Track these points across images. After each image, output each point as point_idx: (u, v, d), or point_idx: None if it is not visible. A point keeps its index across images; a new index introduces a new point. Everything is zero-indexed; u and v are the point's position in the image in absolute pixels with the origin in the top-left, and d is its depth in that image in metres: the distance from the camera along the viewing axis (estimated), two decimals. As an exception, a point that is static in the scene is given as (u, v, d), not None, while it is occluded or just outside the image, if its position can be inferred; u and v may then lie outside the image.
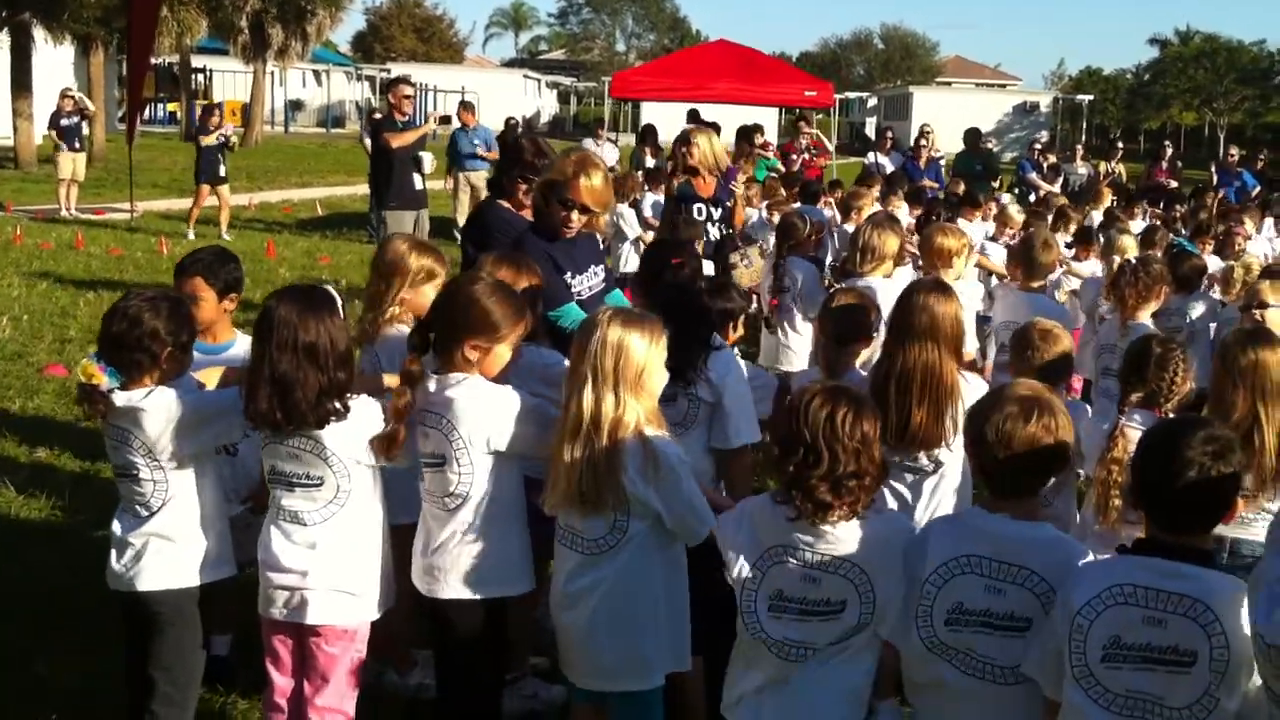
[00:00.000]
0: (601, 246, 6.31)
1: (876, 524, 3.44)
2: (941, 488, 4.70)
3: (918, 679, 3.52)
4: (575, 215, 5.27)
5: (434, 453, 3.99)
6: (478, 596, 4.00)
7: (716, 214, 8.69)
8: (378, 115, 14.16)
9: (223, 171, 18.47)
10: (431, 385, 3.97)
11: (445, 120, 19.76)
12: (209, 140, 18.28)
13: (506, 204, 5.94)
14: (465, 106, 19.53)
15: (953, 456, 4.64)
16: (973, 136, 19.02)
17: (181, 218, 20.76)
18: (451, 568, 3.99)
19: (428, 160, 13.25)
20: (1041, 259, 7.26)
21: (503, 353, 4.00)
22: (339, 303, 3.96)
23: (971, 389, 4.66)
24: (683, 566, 3.91)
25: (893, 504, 4.62)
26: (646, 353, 3.70)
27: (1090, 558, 3.37)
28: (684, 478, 3.75)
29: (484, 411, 3.91)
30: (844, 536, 3.38)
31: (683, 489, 3.74)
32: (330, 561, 3.95)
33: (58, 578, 5.86)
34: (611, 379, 3.65)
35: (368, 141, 19.61)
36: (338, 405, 3.83)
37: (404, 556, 4.20)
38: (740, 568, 3.50)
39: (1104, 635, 3.05)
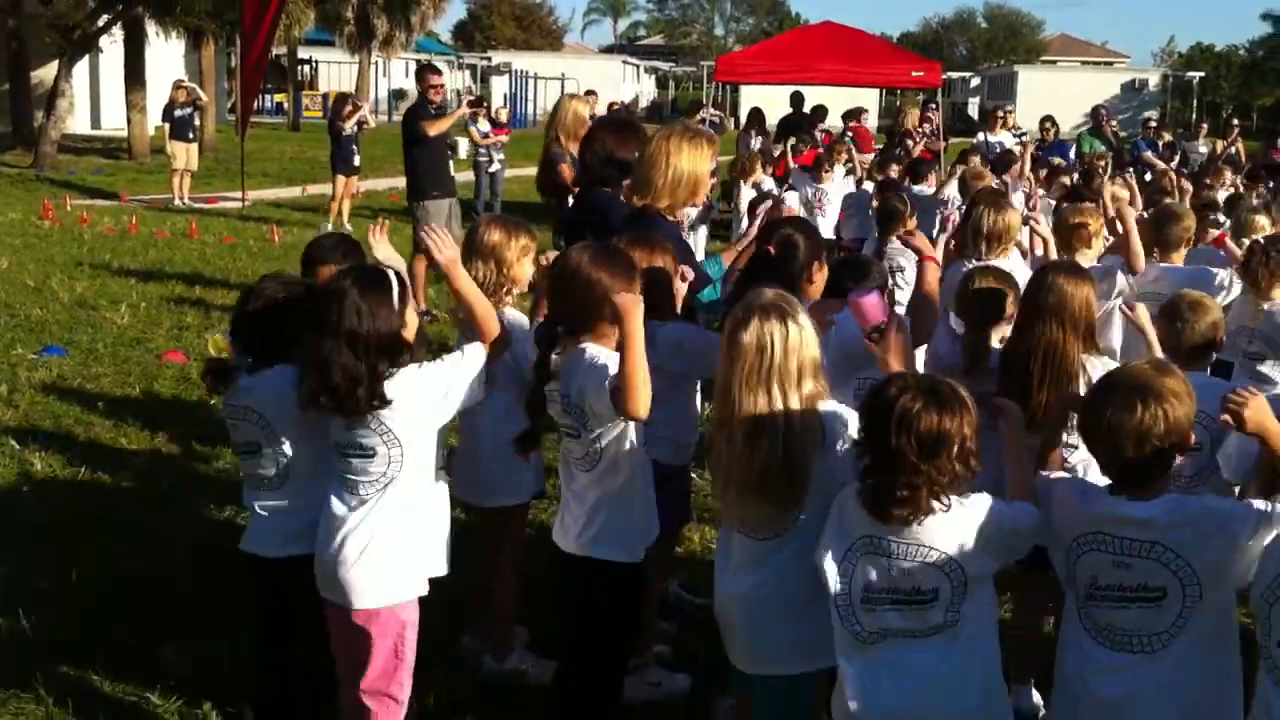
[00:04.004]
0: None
1: (961, 510, 3.28)
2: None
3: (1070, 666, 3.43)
4: None
5: (566, 424, 4.00)
6: (621, 559, 4.01)
7: None
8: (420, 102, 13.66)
9: (357, 162, 18.60)
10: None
11: (477, 103, 19.69)
12: (347, 128, 18.31)
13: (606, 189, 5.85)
14: (589, 93, 19.53)
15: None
16: (1098, 115, 18.65)
17: (291, 206, 21.11)
18: (597, 526, 3.99)
19: (463, 146, 12.90)
20: (1171, 230, 7.04)
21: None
22: (395, 288, 3.86)
23: (1100, 372, 4.52)
24: None
25: None
26: (813, 339, 3.58)
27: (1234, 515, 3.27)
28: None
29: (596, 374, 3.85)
30: (925, 527, 3.25)
31: None
32: (369, 537, 3.87)
33: (181, 562, 5.90)
34: (795, 376, 3.53)
35: (472, 129, 19.74)
36: (373, 394, 3.73)
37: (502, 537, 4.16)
38: (828, 558, 3.40)
39: None
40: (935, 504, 3.21)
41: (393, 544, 3.89)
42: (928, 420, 3.14)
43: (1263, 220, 8.18)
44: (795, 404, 3.52)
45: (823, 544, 3.44)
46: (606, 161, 5.72)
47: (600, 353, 3.88)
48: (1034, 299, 4.52)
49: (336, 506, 3.92)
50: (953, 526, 3.26)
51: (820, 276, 4.69)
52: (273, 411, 4.04)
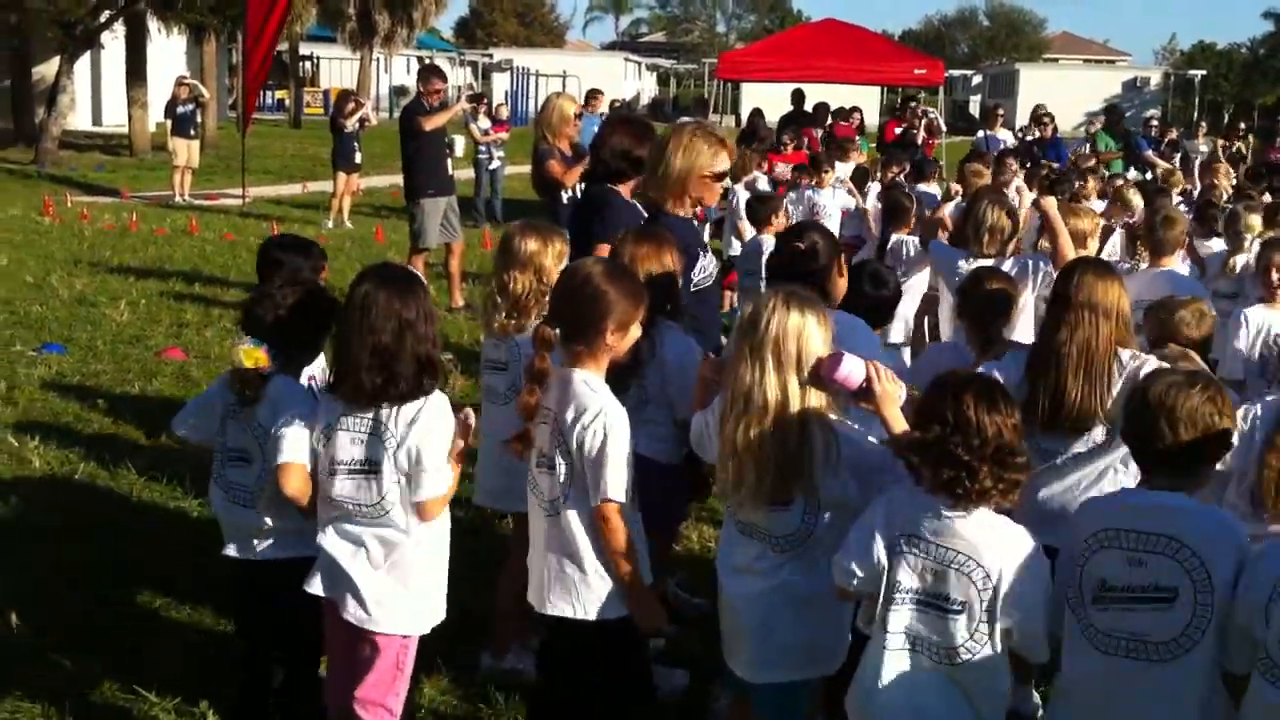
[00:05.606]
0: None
1: (1014, 534, 3.27)
2: (1105, 478, 4.43)
3: (1073, 672, 3.36)
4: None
5: (543, 453, 3.85)
6: (592, 618, 3.82)
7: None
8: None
9: (358, 159, 18.67)
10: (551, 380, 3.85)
11: (475, 99, 19.65)
12: (349, 125, 18.40)
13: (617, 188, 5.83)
14: (595, 93, 19.45)
15: (1117, 447, 4.38)
16: (1112, 115, 18.67)
17: (292, 203, 21.10)
18: (558, 582, 3.84)
19: (459, 144, 12.83)
20: (1165, 234, 7.03)
21: (635, 330, 3.89)
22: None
23: (1134, 365, 4.44)
24: None
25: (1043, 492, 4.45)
26: (824, 336, 3.56)
27: (1247, 537, 3.23)
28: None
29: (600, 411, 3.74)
30: (971, 531, 3.23)
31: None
32: (382, 565, 3.82)
33: (181, 560, 5.90)
34: (794, 365, 3.50)
35: (472, 126, 19.72)
36: (434, 379, 3.76)
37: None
38: (878, 547, 3.35)
39: None
40: (1004, 503, 3.23)
41: (412, 575, 3.85)
42: (1014, 414, 3.23)
43: (1256, 220, 8.17)
44: (794, 388, 3.49)
45: (867, 533, 3.38)
46: (617, 157, 5.73)
47: (609, 405, 3.74)
48: (1064, 295, 4.46)
49: (350, 525, 3.84)
50: (999, 540, 3.24)
51: (841, 280, 4.67)
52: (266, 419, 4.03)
